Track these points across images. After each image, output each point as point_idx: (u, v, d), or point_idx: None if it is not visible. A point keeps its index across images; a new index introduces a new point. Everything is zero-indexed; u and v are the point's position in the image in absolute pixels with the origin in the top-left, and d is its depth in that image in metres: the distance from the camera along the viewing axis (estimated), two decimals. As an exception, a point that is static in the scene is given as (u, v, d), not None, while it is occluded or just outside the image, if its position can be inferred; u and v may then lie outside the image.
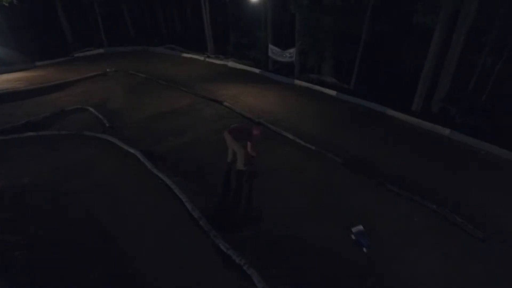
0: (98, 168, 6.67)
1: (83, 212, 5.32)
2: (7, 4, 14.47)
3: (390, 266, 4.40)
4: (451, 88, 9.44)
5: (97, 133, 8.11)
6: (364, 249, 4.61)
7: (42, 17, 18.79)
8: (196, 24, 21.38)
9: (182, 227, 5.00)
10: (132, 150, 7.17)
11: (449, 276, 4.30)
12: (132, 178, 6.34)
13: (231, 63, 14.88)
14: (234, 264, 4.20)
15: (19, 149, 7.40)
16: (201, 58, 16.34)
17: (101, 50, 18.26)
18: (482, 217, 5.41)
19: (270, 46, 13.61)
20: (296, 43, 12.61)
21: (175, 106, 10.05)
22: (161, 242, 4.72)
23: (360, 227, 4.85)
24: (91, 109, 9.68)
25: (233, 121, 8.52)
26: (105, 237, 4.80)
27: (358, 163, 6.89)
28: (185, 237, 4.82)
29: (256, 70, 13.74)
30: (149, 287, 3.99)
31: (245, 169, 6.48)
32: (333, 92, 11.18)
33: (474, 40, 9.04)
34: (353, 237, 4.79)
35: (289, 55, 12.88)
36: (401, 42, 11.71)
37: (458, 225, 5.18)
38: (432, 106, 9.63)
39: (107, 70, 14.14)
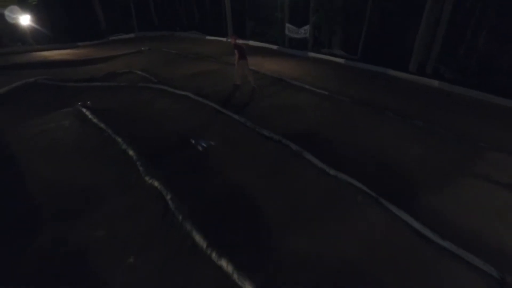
0: (158, 104, 8.52)
1: (161, 126, 7.14)
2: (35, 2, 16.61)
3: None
4: (444, 51, 11.11)
5: (149, 84, 9.99)
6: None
7: (76, 4, 20.62)
8: (214, 13, 23.28)
9: (234, 130, 6.83)
10: (182, 92, 9.01)
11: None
12: (187, 107, 8.18)
13: (251, 42, 16.74)
14: (274, 140, 6.04)
15: (93, 92, 9.31)
16: (224, 39, 18.23)
17: (132, 35, 20.29)
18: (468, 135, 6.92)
19: (287, 25, 15.40)
20: (311, 19, 14.39)
21: (208, 69, 11.93)
22: (223, 132, 6.56)
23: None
24: (138, 71, 11.58)
25: (258, 78, 10.39)
26: (183, 139, 6.54)
27: (364, 102, 8.63)
28: (237, 132, 6.65)
29: (274, 47, 15.56)
30: (224, 174, 5.75)
31: (238, 84, 9.23)
32: (341, 60, 13.00)
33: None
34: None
35: (304, 31, 14.65)
36: (402, 17, 13.39)
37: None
38: (426, 68, 11.33)
39: (142, 48, 16.09)
